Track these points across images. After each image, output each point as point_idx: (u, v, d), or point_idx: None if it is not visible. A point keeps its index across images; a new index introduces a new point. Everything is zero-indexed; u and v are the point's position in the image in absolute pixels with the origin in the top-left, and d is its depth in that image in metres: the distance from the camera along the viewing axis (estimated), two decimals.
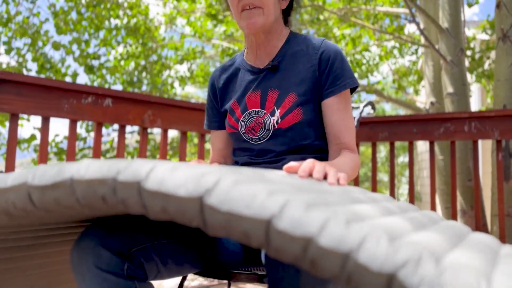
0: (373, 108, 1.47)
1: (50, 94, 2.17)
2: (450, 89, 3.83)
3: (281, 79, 1.17)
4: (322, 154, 1.17)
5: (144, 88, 6.48)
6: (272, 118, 1.14)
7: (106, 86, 6.29)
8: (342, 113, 1.14)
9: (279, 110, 1.14)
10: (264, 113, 1.16)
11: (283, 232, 0.41)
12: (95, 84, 6.23)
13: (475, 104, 7.44)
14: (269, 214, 0.42)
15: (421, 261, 0.39)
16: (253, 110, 1.18)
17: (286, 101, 1.14)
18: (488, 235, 0.69)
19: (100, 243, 0.85)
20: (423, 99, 7.35)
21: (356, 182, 3.00)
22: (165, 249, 0.97)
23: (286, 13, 1.25)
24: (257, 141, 1.17)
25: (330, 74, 1.14)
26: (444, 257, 0.44)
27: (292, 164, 0.76)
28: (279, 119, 1.13)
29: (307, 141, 1.15)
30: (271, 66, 1.18)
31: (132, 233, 0.92)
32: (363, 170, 18.38)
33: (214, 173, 0.48)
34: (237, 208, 0.43)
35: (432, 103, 4.47)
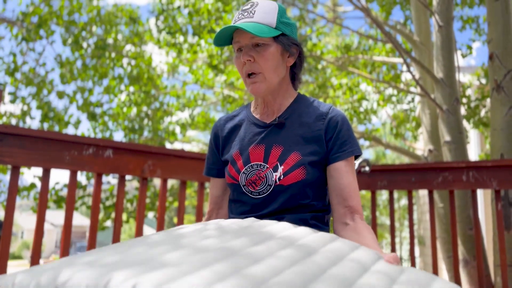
0: (369, 165, 1.50)
1: (51, 146, 2.20)
2: (447, 138, 3.87)
3: (286, 136, 1.19)
4: (317, 213, 1.18)
5: (145, 134, 6.56)
6: (274, 174, 1.15)
7: (108, 133, 6.37)
8: (350, 177, 1.17)
9: (282, 167, 1.15)
10: (267, 167, 1.17)
11: None
12: (97, 130, 6.32)
13: (474, 150, 7.49)
14: None
15: None
16: (256, 164, 1.19)
17: (290, 159, 1.16)
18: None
19: None
20: (421, 146, 7.41)
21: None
22: None
23: (294, 72, 1.27)
24: (257, 195, 1.17)
25: (337, 140, 1.18)
26: None
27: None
28: (282, 176, 1.15)
29: (306, 201, 1.16)
30: (277, 122, 1.21)
31: None
32: (364, 213, 18.23)
33: None
34: None
35: (430, 151, 4.51)
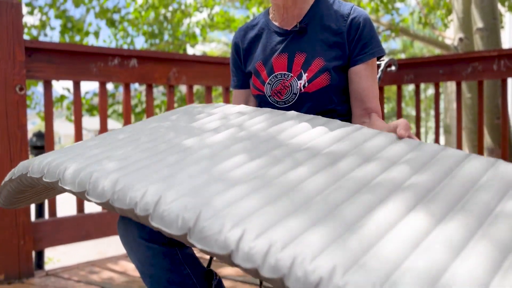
0: (395, 65, 1.47)
1: (78, 59, 2.24)
2: (479, 24, 3.68)
3: (309, 42, 1.17)
4: (345, 117, 1.21)
5: (166, 38, 6.46)
6: (299, 82, 1.16)
7: (129, 38, 6.31)
8: (370, 80, 1.17)
9: (306, 74, 1.15)
10: (291, 76, 1.17)
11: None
12: (118, 37, 6.25)
13: (510, 35, 7.09)
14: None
15: None
16: (280, 73, 1.19)
17: (314, 65, 1.15)
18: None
19: None
20: (451, 34, 7.05)
21: (382, 117, 3.07)
22: None
23: None
24: (283, 104, 1.19)
25: (359, 42, 1.15)
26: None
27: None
28: (306, 83, 1.15)
29: (332, 105, 1.18)
30: (298, 29, 1.18)
31: None
32: (390, 105, 18.11)
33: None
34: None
35: (460, 39, 4.32)
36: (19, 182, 0.92)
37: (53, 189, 1.09)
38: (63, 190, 0.78)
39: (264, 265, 0.52)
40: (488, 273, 0.49)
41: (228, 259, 0.55)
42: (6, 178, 0.96)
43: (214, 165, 0.73)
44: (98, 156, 0.81)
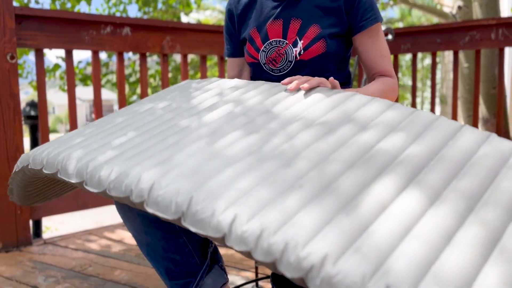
0: (392, 34, 1.45)
1: (70, 27, 2.19)
2: None
3: (304, 8, 1.14)
4: (342, 86, 1.20)
5: (159, 6, 6.31)
6: (294, 49, 1.14)
7: (121, 6, 6.16)
8: (376, 45, 1.14)
9: (302, 41, 1.13)
10: (286, 43, 1.15)
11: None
12: (111, 4, 6.11)
13: (508, 4, 6.99)
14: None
15: None
16: (275, 40, 1.16)
17: (309, 32, 1.13)
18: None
19: None
20: (450, 3, 6.94)
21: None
22: None
23: None
24: (278, 72, 1.17)
25: (359, 9, 1.12)
26: None
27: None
28: (302, 51, 1.13)
29: (328, 73, 1.15)
30: None
31: None
32: None
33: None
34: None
35: (459, 7, 4.25)
36: (23, 174, 0.94)
37: (61, 183, 1.11)
38: (65, 180, 0.80)
39: (256, 249, 0.52)
40: (478, 259, 0.49)
41: (222, 241, 0.57)
42: (12, 172, 0.99)
43: (210, 144, 0.74)
44: (94, 144, 0.82)
